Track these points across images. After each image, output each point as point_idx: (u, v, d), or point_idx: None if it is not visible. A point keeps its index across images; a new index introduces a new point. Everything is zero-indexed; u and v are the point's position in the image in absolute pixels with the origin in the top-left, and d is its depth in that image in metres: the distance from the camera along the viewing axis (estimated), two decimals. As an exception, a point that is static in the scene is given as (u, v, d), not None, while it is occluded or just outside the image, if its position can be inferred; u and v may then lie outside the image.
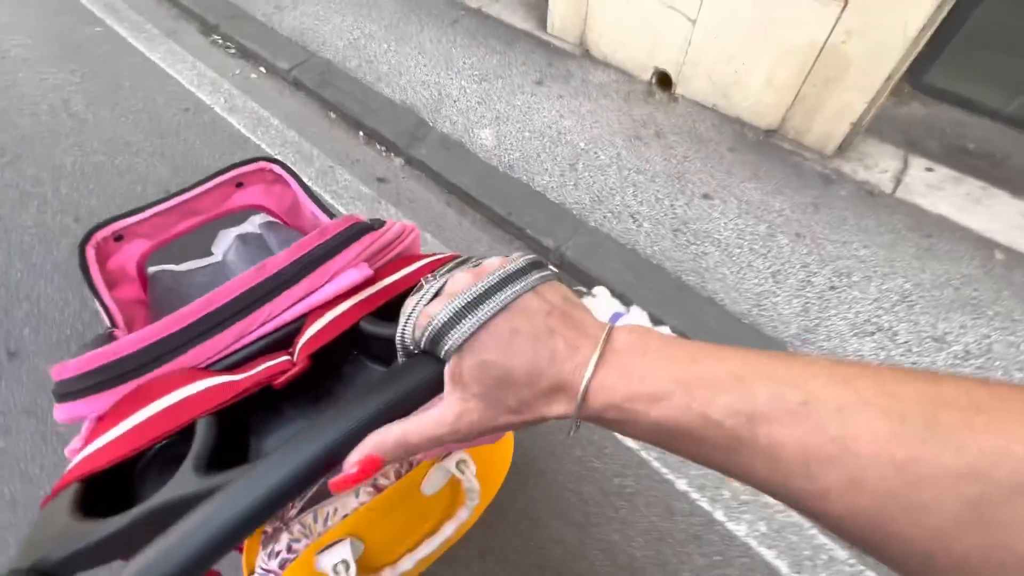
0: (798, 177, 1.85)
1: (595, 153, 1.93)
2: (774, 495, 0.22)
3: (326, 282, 0.51)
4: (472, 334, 0.27)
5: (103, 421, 0.43)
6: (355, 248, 0.54)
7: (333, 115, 2.16)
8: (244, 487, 0.27)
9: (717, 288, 1.57)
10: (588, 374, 0.25)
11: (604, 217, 1.74)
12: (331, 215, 0.77)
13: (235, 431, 0.45)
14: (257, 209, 0.83)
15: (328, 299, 0.51)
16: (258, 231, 0.85)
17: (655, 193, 1.81)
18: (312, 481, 0.28)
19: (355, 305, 0.50)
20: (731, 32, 1.81)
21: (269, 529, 0.44)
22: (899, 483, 0.18)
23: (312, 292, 0.51)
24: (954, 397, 0.19)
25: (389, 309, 0.50)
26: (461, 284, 0.29)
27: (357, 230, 0.55)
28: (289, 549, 0.44)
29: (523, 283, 0.28)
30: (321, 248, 0.52)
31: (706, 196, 1.80)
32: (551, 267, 0.32)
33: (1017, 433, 0.17)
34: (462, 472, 0.52)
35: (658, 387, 0.24)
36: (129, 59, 2.38)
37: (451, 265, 0.35)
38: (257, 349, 0.49)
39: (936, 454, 0.18)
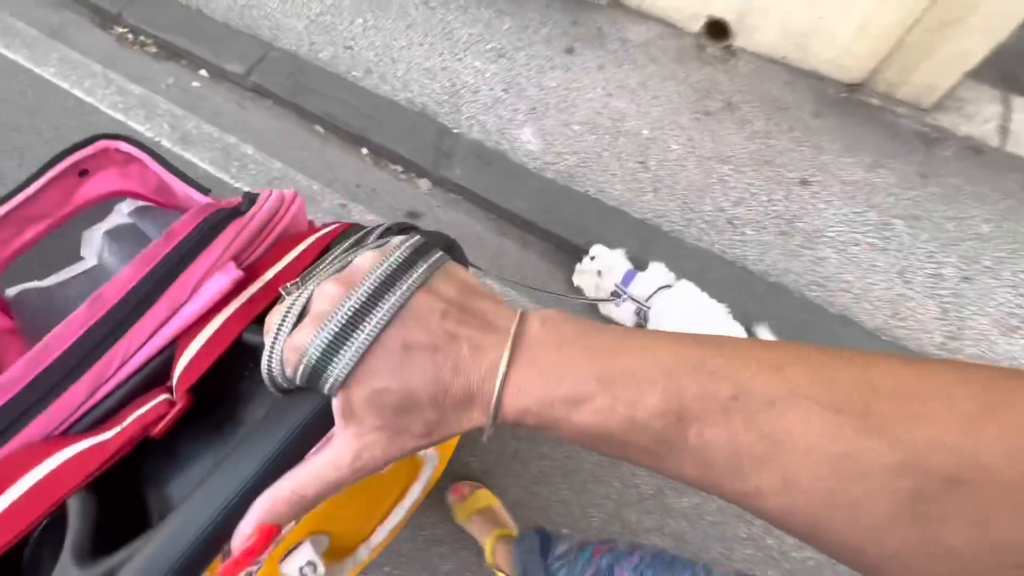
0: (895, 140, 1.61)
1: (664, 142, 1.61)
2: (708, 492, 0.21)
3: (189, 296, 0.44)
4: (357, 363, 0.23)
5: None
6: (218, 245, 0.45)
7: (321, 128, 1.70)
8: None
9: (846, 302, 1.38)
10: (500, 379, 0.22)
11: (700, 230, 1.47)
12: (205, 190, 0.64)
13: (124, 493, 0.40)
14: (120, 196, 0.70)
15: (197, 316, 0.43)
16: (130, 220, 0.73)
17: (747, 187, 1.54)
18: (200, 569, 0.25)
19: (233, 315, 0.43)
20: (818, -32, 1.46)
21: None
22: (834, 480, 0.18)
23: (175, 312, 0.43)
24: (885, 382, 0.18)
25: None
26: (329, 301, 0.24)
27: (216, 221, 0.46)
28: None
29: (409, 281, 0.24)
30: (174, 255, 0.44)
31: (804, 182, 1.55)
32: (437, 248, 0.27)
33: (949, 421, 0.17)
34: None
35: (578, 388, 0.22)
36: (13, 81, 1.75)
37: (332, 255, 0.33)
38: (125, 394, 0.41)
39: (870, 447, 0.17)
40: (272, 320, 0.26)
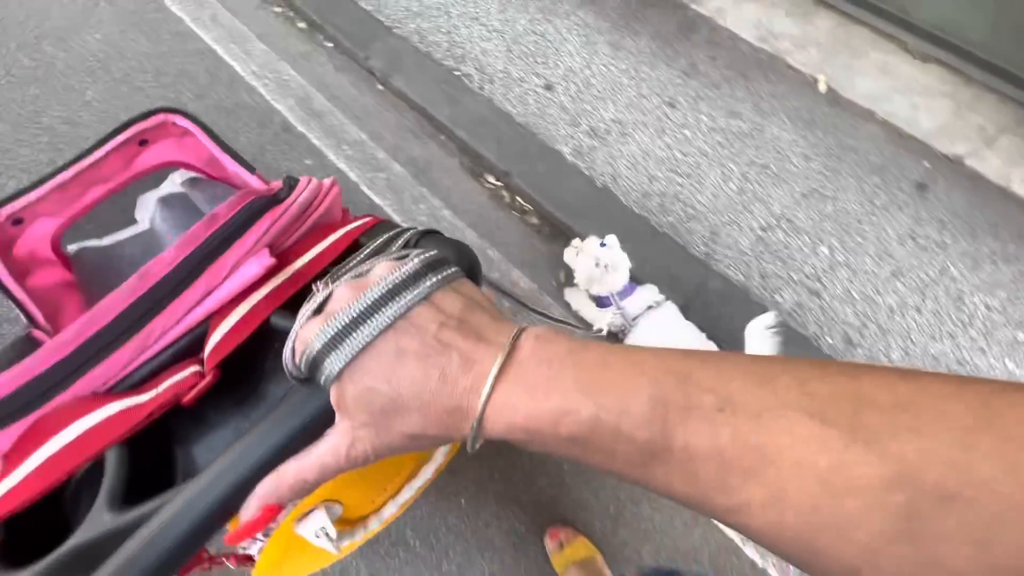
0: None
1: None
2: (697, 510, 0.21)
3: (225, 278, 0.47)
4: (351, 360, 0.24)
5: (9, 459, 0.40)
6: (255, 232, 0.48)
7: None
8: (131, 553, 0.27)
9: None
10: (485, 393, 0.23)
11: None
12: (251, 168, 0.67)
13: (154, 450, 0.44)
14: (174, 166, 0.73)
15: (230, 297, 0.46)
16: (181, 190, 0.77)
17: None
18: (207, 537, 0.28)
19: (264, 299, 0.46)
20: None
21: None
22: (823, 495, 0.17)
23: (210, 293, 0.46)
24: (875, 393, 0.18)
25: (304, 296, 0.44)
26: (341, 301, 0.26)
27: (255, 208, 0.49)
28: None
29: (413, 293, 0.25)
30: (214, 239, 0.47)
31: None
32: (450, 264, 0.28)
33: (943, 433, 0.16)
34: None
35: (564, 401, 0.22)
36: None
37: (362, 255, 0.37)
38: (161, 362, 0.45)
39: (860, 460, 0.17)
40: (302, 311, 0.28)
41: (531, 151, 1.63)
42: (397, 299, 0.25)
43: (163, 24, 1.92)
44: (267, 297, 0.47)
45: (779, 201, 1.55)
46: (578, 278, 1.24)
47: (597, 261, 1.20)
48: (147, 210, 0.78)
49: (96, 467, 0.41)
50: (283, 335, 0.47)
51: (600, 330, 1.27)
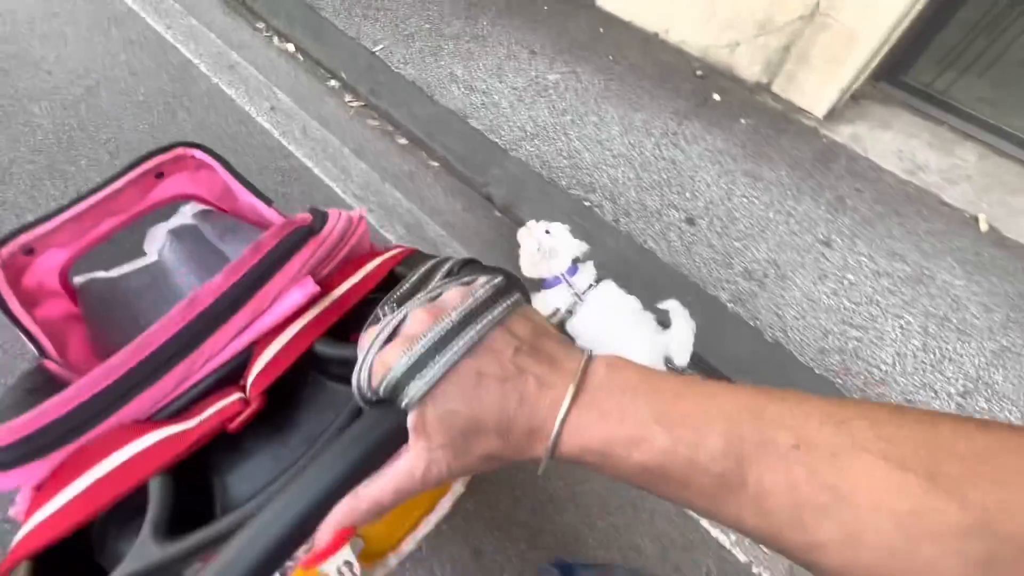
0: None
1: None
2: (767, 545, 0.21)
3: (269, 306, 0.47)
4: (434, 384, 0.25)
5: (44, 490, 0.40)
6: (297, 260, 0.49)
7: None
8: None
9: None
10: (561, 416, 0.24)
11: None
12: (268, 201, 0.68)
13: (193, 479, 0.42)
14: (185, 199, 0.73)
15: (274, 325, 0.47)
16: (192, 222, 0.77)
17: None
18: (282, 562, 0.27)
19: (306, 327, 0.47)
20: None
21: None
22: (900, 539, 0.17)
23: (255, 319, 0.47)
24: (953, 443, 0.18)
25: (345, 324, 0.48)
26: (419, 325, 0.26)
27: (297, 239, 0.50)
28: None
29: (488, 318, 0.26)
30: (258, 268, 0.47)
31: None
32: (515, 290, 0.29)
33: (1023, 485, 0.16)
34: None
35: (639, 429, 0.23)
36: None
37: (411, 282, 0.38)
38: (204, 389, 0.45)
39: (939, 507, 0.17)
40: (366, 337, 0.29)
41: (686, 298, 1.47)
42: (474, 323, 0.26)
43: (250, 137, 1.77)
44: (310, 324, 0.47)
45: (970, 360, 1.40)
46: (526, 255, 1.31)
47: (539, 245, 1.28)
48: (156, 242, 0.78)
49: (123, 501, 0.41)
50: (320, 364, 0.48)
51: (556, 310, 1.31)
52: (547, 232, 1.30)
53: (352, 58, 1.97)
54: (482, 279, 0.29)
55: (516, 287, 0.30)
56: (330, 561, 0.47)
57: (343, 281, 0.51)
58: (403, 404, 0.26)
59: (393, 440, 0.28)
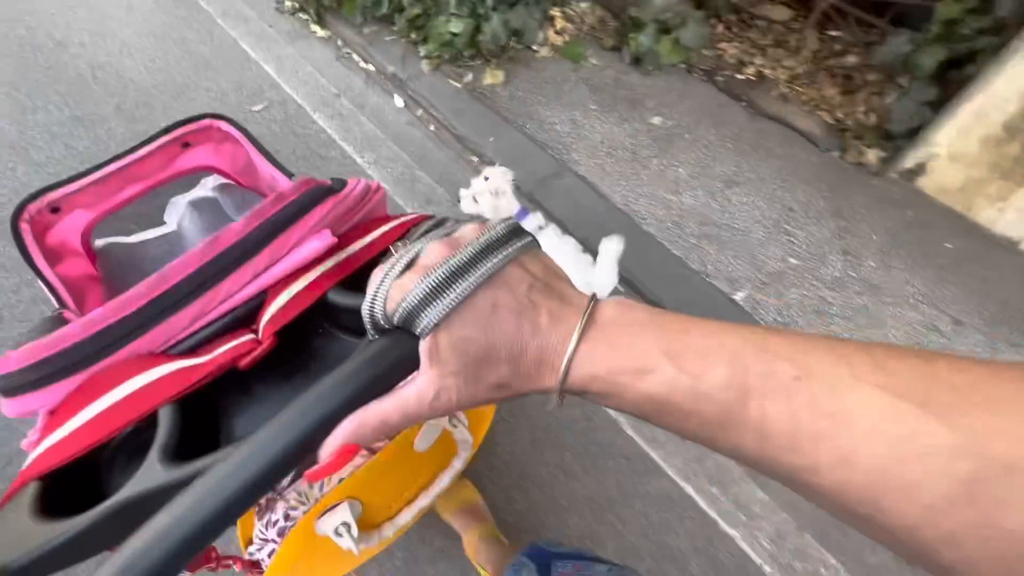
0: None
1: None
2: (762, 470, 0.22)
3: (286, 253, 0.49)
4: (450, 311, 0.25)
5: (57, 415, 0.42)
6: (316, 213, 0.51)
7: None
8: (218, 480, 0.25)
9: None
10: (572, 345, 0.25)
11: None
12: (289, 174, 0.69)
13: (202, 416, 0.44)
14: (208, 171, 0.75)
15: (290, 271, 0.49)
16: (212, 195, 0.80)
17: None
18: (288, 471, 0.27)
19: (320, 276, 0.49)
20: None
21: (263, 501, 0.48)
22: (891, 459, 0.18)
23: (272, 264, 0.49)
24: (949, 375, 0.19)
25: (357, 278, 0.49)
26: (436, 256, 0.27)
27: (318, 194, 0.51)
28: (287, 517, 0.48)
29: (504, 254, 0.27)
30: (279, 216, 0.49)
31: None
32: (530, 233, 0.30)
33: (1013, 412, 0.17)
34: (454, 426, 0.58)
35: (646, 359, 0.24)
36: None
37: (423, 228, 0.41)
38: (218, 328, 0.47)
39: (930, 431, 0.18)
40: (379, 270, 0.29)
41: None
42: (491, 257, 0.26)
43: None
44: (325, 274, 0.48)
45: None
46: (487, 214, 1.39)
47: (495, 192, 1.38)
48: (177, 211, 0.79)
49: (131, 435, 0.42)
50: (332, 315, 0.50)
51: None
52: (486, 179, 1.39)
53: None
54: (496, 220, 0.30)
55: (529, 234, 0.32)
56: (329, 520, 0.48)
57: (362, 237, 0.53)
58: (418, 330, 0.26)
59: (404, 365, 0.28)
